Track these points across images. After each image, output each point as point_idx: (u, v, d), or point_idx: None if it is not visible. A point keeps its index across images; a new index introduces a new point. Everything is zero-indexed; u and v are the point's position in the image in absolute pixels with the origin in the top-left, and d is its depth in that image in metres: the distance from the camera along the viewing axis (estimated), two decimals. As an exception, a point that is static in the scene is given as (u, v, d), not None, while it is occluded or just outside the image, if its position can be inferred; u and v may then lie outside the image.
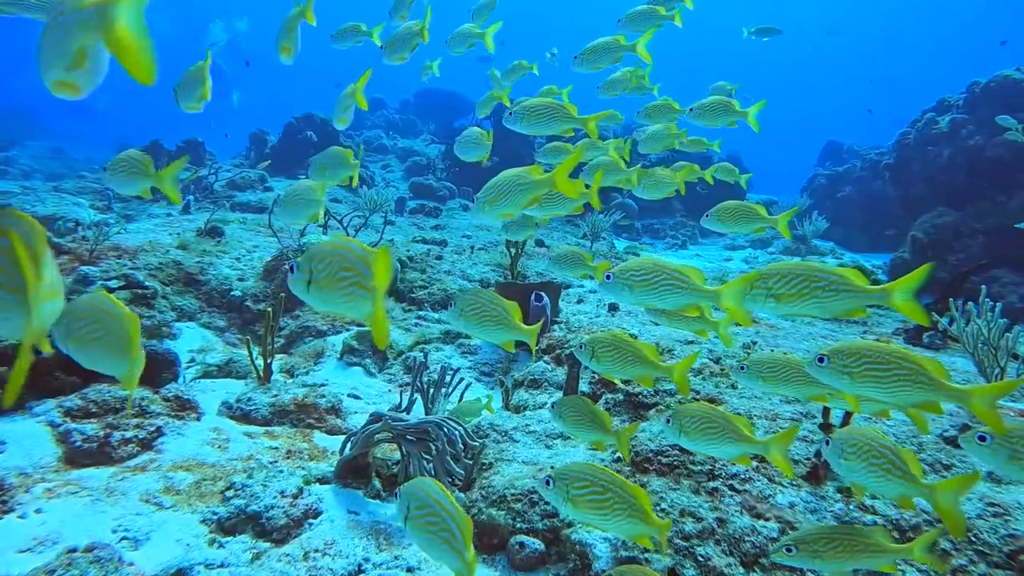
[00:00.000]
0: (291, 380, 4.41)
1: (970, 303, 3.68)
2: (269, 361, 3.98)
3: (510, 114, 2.82)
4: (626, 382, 3.78)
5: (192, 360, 4.86)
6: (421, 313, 5.91)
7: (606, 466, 2.15)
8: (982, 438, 1.57)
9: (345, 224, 7.11)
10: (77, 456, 3.05)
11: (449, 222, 11.37)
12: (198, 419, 3.59)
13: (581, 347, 2.24)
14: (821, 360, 1.62)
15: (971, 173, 9.30)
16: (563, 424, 2.29)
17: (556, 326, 5.04)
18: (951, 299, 5.25)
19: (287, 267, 5.55)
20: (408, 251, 7.03)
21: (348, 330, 5.36)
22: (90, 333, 1.55)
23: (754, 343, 4.18)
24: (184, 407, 3.57)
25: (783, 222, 2.86)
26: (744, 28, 6.99)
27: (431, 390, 3.56)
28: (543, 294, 4.97)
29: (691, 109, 3.38)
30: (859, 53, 60.48)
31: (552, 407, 2.31)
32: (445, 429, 2.95)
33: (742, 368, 2.16)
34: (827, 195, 15.07)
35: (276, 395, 3.79)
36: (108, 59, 1.03)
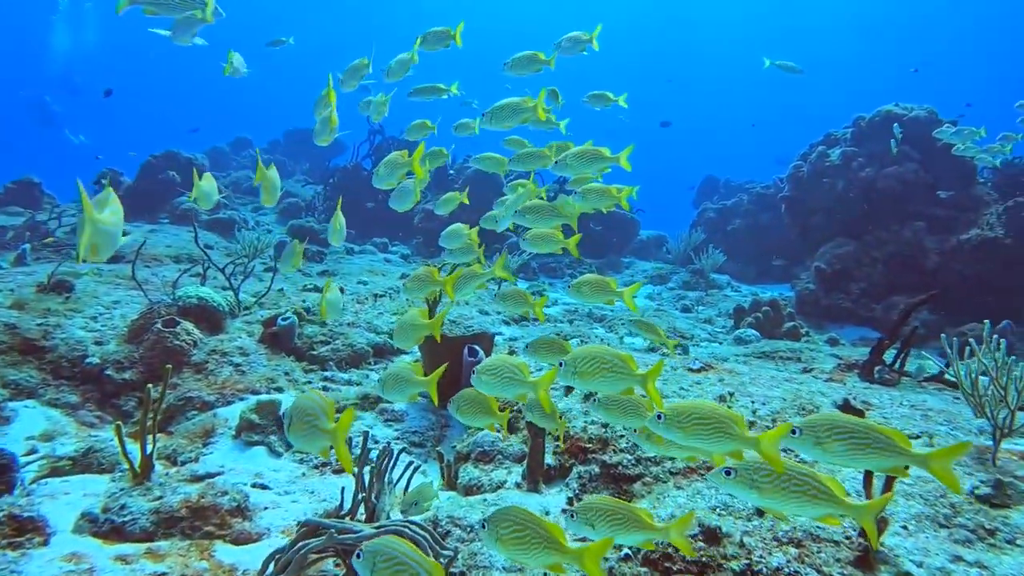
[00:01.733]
0: (176, 470, 3.53)
1: (971, 339, 3.47)
2: (150, 451, 3.11)
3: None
4: (601, 450, 3.26)
5: (33, 451, 3.85)
6: (327, 374, 5.14)
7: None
8: (727, 472, 1.75)
9: (227, 274, 6.20)
10: None
11: (338, 267, 10.55)
12: (45, 543, 2.69)
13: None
14: (659, 417, 1.87)
15: (865, 204, 9.71)
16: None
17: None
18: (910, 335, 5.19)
19: (159, 326, 4.63)
20: (303, 301, 6.22)
21: (242, 399, 4.51)
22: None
23: (731, 394, 3.80)
24: (22, 529, 2.66)
25: (628, 296, 3.05)
26: (766, 58, 7.13)
27: (366, 472, 2.87)
28: (477, 348, 4.39)
29: (556, 162, 3.29)
30: (729, 89, 65.05)
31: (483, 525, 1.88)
32: (408, 537, 2.28)
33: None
34: (717, 228, 15.51)
35: (160, 497, 2.95)
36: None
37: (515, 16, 58.98)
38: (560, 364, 2.27)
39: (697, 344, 7.43)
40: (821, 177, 10.28)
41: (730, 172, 21.33)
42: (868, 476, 2.47)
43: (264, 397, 4.39)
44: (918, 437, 3.64)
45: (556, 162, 3.30)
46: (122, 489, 3.02)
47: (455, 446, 3.89)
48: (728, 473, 1.75)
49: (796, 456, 3.21)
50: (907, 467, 1.65)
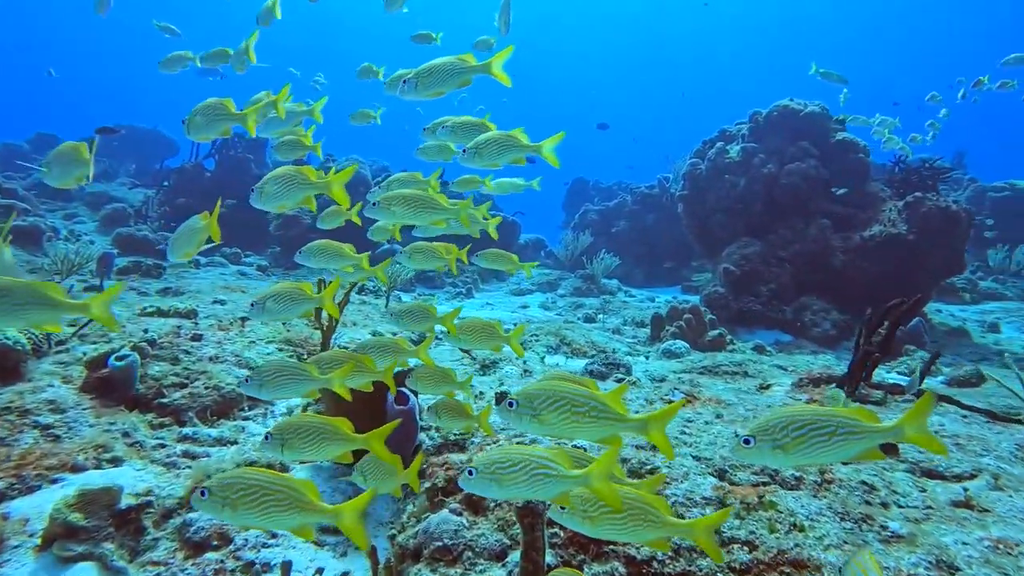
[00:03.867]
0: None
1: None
2: None
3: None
4: (623, 543, 2.33)
5: None
6: (187, 431, 3.82)
7: None
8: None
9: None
10: None
11: (184, 283, 8.91)
12: None
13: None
14: (470, 473, 1.69)
15: (769, 202, 9.51)
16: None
17: (426, 436, 3.39)
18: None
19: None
20: (145, 331, 4.81)
21: (56, 481, 3.14)
22: None
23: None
24: None
25: (515, 342, 2.93)
26: (814, 63, 7.49)
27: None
28: (407, 392, 3.31)
29: (465, 151, 2.83)
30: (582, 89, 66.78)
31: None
32: None
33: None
34: (601, 231, 15.15)
35: None
36: None
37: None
38: (510, 404, 1.79)
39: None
40: (722, 174, 10.01)
41: (588, 173, 21.37)
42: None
43: (91, 480, 3.06)
44: (973, 476, 3.05)
45: (465, 151, 2.79)
46: None
47: (393, 534, 2.80)
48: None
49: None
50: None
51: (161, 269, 9.95)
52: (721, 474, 2.73)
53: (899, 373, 6.77)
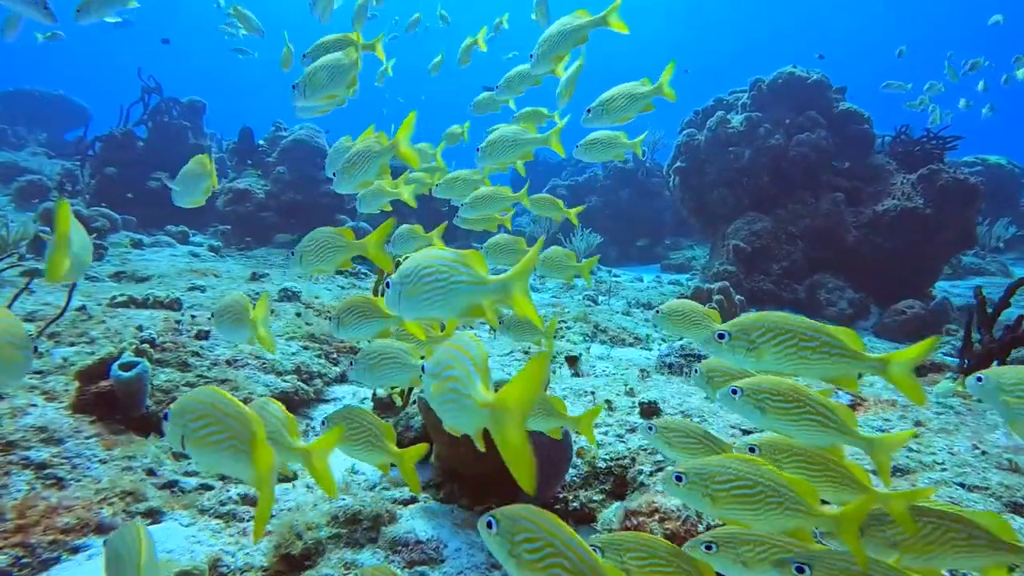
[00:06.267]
0: None
1: None
2: None
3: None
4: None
5: None
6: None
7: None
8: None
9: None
10: None
11: (136, 266, 7.78)
12: None
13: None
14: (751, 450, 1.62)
15: (776, 174, 9.08)
16: None
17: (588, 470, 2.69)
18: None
19: None
20: (140, 327, 3.89)
21: (78, 550, 2.28)
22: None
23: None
24: None
25: (585, 270, 3.03)
26: (947, 62, 7.74)
27: None
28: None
29: (589, 110, 2.62)
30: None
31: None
32: None
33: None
34: (571, 207, 14.50)
35: None
36: None
37: None
38: (720, 336, 1.57)
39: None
40: (724, 145, 9.50)
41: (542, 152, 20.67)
42: None
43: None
44: None
45: (590, 110, 2.60)
46: None
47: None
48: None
49: None
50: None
51: (104, 248, 8.73)
52: (1015, 507, 2.14)
53: (943, 354, 6.48)
